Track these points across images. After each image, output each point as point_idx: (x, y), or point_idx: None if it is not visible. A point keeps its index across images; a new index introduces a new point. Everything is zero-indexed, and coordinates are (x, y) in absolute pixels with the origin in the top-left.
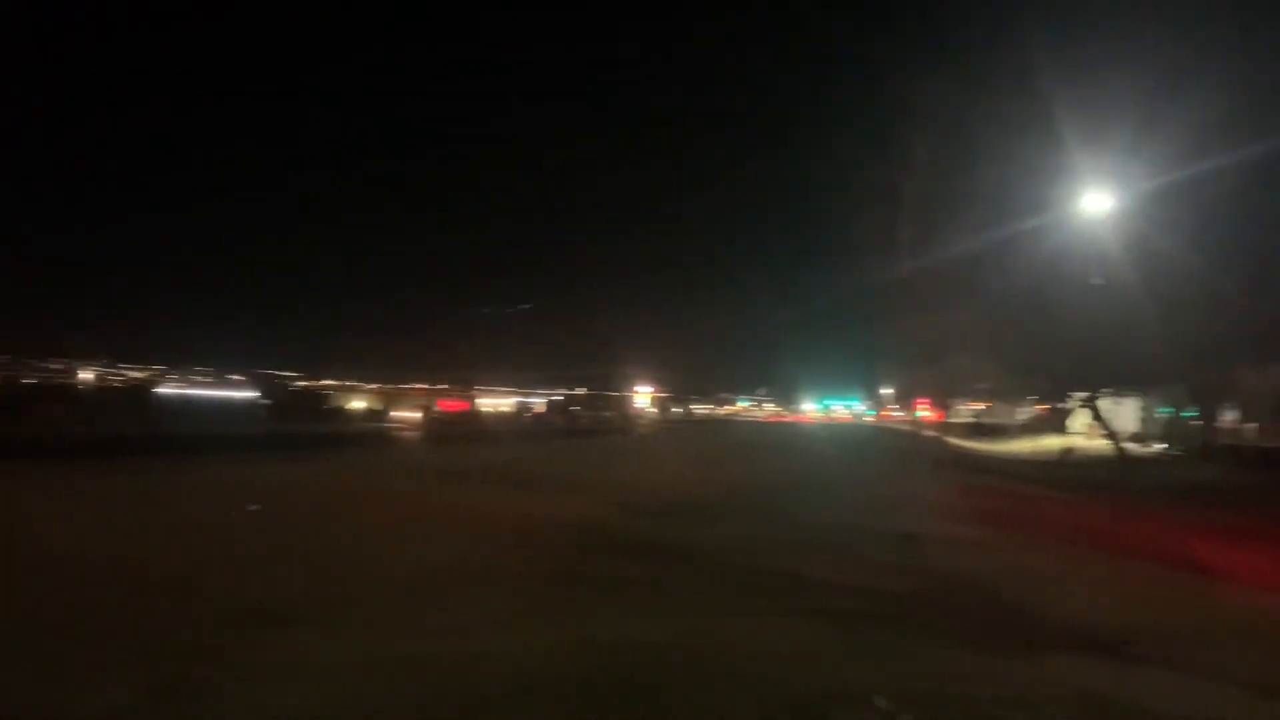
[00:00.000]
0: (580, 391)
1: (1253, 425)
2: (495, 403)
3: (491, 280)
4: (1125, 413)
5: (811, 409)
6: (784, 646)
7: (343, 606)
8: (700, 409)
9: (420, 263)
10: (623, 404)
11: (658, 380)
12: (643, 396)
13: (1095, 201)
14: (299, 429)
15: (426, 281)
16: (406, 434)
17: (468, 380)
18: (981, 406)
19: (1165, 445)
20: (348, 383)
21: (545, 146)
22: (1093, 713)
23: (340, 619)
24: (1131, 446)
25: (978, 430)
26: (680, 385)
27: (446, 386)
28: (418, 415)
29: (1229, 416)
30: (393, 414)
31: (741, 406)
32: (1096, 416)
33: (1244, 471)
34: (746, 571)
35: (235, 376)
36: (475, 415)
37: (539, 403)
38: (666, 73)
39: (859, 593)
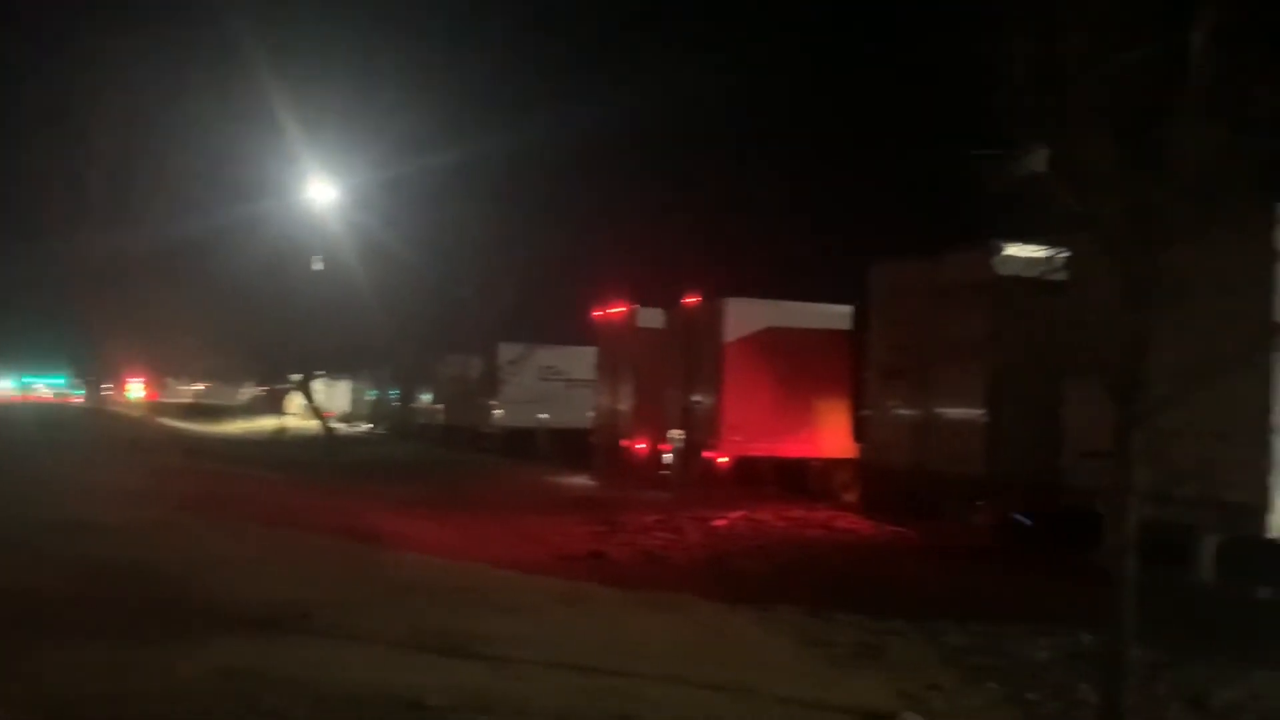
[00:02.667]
0: None
1: (440, 406)
2: None
3: None
4: (338, 394)
5: (6, 388)
6: None
7: None
8: None
9: None
10: None
11: None
12: None
13: (319, 190)
14: None
15: None
16: None
17: None
18: (201, 387)
19: (372, 425)
20: None
21: None
22: (238, 689)
23: None
24: (341, 426)
25: (195, 411)
26: None
27: None
28: None
29: (424, 398)
30: None
31: None
32: (308, 397)
33: (431, 447)
34: None
35: None
36: None
37: None
38: None
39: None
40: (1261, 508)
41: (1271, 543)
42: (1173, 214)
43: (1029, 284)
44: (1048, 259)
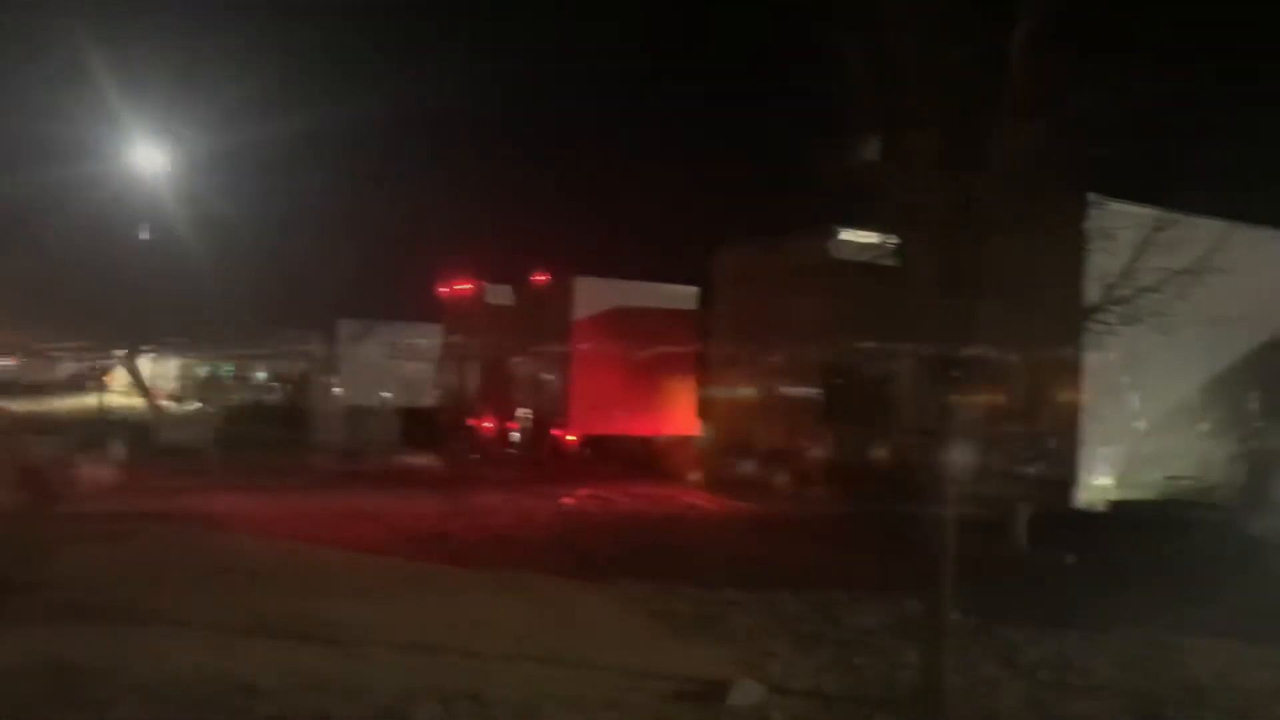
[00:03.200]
0: None
1: (277, 384)
2: None
3: None
4: (168, 370)
5: None
6: None
7: None
8: None
9: None
10: None
11: None
12: None
13: (148, 156)
14: None
15: None
16: None
17: None
18: (12, 362)
19: (203, 403)
20: None
21: None
22: (59, 678)
23: None
24: (170, 404)
25: (6, 388)
26: None
27: None
28: None
29: (260, 376)
30: None
31: None
32: (134, 374)
33: (267, 426)
34: None
35: None
36: None
37: None
38: None
39: None
40: (1070, 481)
41: (1078, 513)
42: (993, 206)
43: (862, 269)
44: (879, 245)
